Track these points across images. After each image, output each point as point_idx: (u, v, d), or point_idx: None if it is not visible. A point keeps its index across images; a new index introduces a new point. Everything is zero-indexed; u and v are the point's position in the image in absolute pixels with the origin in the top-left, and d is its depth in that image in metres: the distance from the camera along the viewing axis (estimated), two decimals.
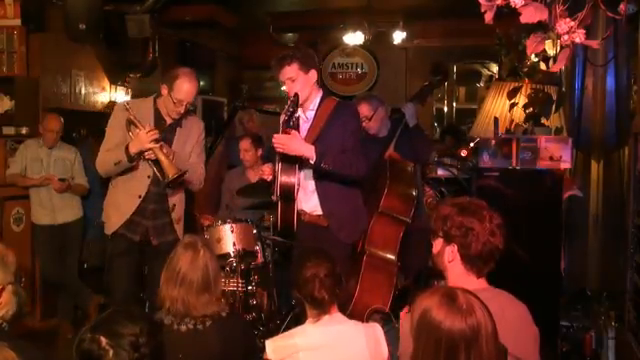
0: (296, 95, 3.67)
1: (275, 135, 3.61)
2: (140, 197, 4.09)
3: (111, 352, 1.85)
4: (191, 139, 4.23)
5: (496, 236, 2.37)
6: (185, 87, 3.99)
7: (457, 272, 2.41)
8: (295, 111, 3.65)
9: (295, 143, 3.59)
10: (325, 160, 3.59)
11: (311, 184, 3.80)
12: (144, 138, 3.89)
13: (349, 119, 3.78)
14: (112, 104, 6.69)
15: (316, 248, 3.16)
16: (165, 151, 3.95)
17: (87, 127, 6.55)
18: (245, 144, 5.77)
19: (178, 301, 2.82)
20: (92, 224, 5.86)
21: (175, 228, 4.22)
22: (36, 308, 5.73)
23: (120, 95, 7.21)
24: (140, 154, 3.97)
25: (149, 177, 4.09)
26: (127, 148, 3.94)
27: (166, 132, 4.12)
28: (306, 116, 3.83)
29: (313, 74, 3.74)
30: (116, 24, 6.54)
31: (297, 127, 3.76)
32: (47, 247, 5.62)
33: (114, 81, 7.13)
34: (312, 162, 3.60)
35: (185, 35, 8.33)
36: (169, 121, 4.15)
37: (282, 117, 3.71)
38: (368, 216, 4.20)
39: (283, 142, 3.58)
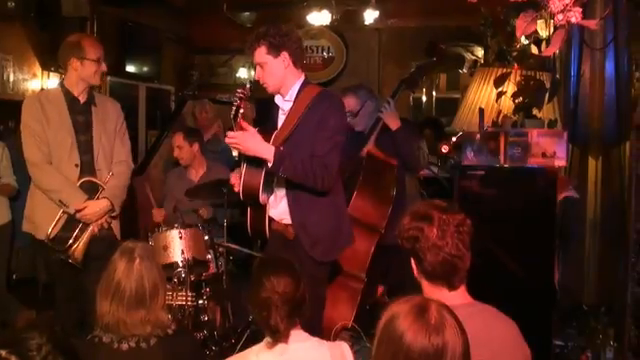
0: (244, 87, 3.57)
1: (228, 133, 3.46)
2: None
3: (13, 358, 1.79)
4: (110, 122, 4.28)
5: (445, 240, 2.28)
6: (95, 43, 4.27)
7: (426, 285, 2.39)
8: (241, 103, 3.51)
9: (250, 141, 3.42)
10: (284, 165, 3.38)
11: (282, 189, 3.60)
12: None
13: (329, 114, 3.50)
14: None
15: (279, 259, 2.95)
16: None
17: (16, 119, 6.38)
18: (178, 140, 5.64)
19: (110, 316, 2.76)
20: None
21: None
22: None
23: (53, 82, 7.13)
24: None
25: (77, 165, 4.11)
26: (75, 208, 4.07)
27: (84, 113, 4.22)
28: (283, 107, 3.64)
29: (285, 57, 3.51)
30: (49, 1, 6.61)
31: (255, 122, 3.67)
32: None
33: (47, 66, 7.11)
34: (269, 165, 3.41)
35: (127, 14, 8.29)
36: (83, 99, 4.22)
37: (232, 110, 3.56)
38: None
39: (238, 140, 3.42)
